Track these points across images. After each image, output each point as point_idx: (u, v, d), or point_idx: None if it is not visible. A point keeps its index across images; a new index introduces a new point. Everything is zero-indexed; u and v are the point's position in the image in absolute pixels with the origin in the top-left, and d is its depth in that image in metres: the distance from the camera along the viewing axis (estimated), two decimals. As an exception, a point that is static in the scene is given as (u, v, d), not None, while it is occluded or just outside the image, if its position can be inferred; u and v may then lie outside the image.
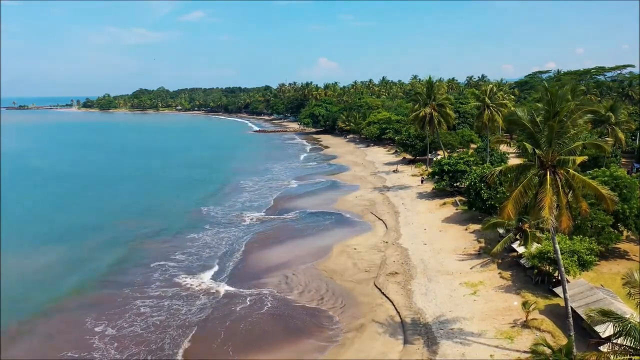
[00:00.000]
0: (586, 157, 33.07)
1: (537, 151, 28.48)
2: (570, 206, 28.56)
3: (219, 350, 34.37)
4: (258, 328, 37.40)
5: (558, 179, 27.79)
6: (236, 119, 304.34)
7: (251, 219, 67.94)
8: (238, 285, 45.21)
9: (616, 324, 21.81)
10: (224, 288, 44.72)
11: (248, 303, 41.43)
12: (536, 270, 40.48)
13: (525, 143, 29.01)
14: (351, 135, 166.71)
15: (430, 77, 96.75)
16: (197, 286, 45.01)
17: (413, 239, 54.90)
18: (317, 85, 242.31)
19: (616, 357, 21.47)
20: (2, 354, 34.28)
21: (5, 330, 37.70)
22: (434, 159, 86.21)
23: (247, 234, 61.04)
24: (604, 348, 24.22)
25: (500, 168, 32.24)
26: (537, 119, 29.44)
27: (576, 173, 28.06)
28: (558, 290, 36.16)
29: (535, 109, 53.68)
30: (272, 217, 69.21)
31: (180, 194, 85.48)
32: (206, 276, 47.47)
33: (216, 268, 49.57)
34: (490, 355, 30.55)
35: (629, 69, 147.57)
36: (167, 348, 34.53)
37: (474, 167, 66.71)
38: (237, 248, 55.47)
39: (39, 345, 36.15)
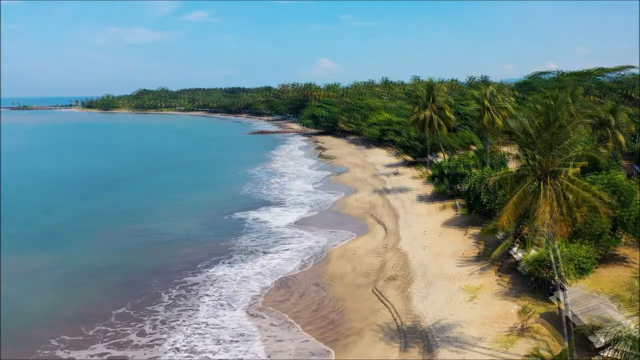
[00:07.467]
0: (586, 163, 33.08)
1: (534, 158, 28.52)
2: (570, 210, 28.54)
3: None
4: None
5: (555, 188, 27.83)
6: (237, 120, 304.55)
7: (247, 220, 68.04)
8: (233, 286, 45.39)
9: (613, 331, 21.85)
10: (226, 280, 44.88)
11: (245, 307, 41.60)
12: (534, 277, 40.45)
13: (520, 154, 29.11)
14: (352, 137, 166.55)
15: (430, 79, 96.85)
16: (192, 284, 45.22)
17: (412, 243, 54.95)
18: (318, 86, 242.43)
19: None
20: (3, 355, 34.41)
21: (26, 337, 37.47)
22: (434, 160, 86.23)
23: (240, 236, 61.06)
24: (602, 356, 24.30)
25: (499, 175, 32.31)
26: (535, 123, 29.43)
27: (571, 183, 28.01)
28: (557, 295, 36.17)
29: (535, 112, 53.54)
30: (269, 217, 69.26)
31: (187, 196, 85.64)
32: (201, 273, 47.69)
33: (219, 267, 49.69)
34: (489, 362, 30.62)
35: (630, 70, 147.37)
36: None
37: (474, 170, 66.74)
38: (234, 249, 55.59)
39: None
